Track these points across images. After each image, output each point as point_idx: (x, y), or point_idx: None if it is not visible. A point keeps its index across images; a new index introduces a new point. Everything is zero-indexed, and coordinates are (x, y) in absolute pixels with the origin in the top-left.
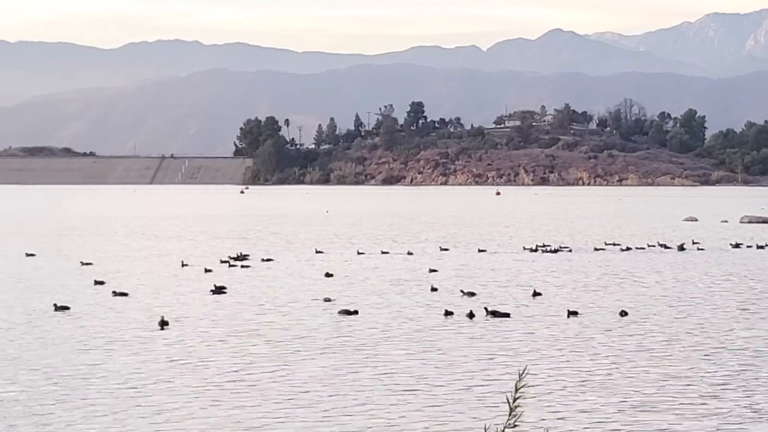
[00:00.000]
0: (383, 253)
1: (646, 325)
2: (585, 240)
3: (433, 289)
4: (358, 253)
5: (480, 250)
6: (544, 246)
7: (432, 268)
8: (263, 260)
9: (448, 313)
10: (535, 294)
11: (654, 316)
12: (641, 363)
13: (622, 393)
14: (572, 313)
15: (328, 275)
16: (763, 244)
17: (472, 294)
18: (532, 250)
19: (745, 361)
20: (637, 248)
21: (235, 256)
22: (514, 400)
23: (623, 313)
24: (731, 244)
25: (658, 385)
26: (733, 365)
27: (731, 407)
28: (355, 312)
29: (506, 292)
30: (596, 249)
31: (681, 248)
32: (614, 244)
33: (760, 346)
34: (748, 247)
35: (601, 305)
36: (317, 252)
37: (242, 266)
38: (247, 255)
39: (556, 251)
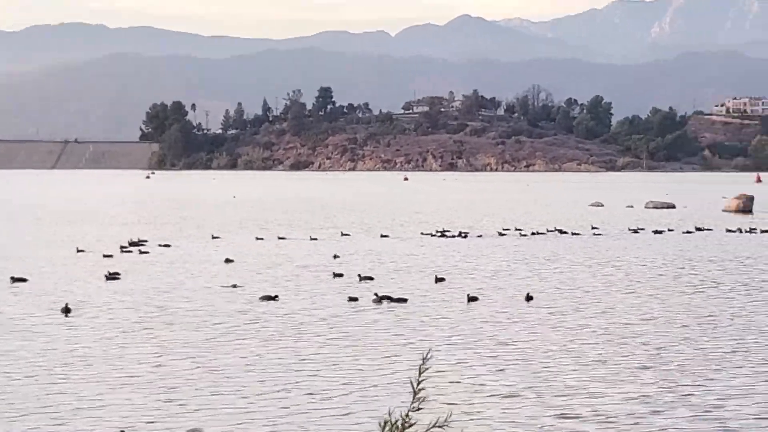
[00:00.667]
0: (280, 238)
1: (551, 309)
2: (490, 225)
3: (337, 275)
4: (257, 239)
5: (383, 236)
6: (444, 231)
7: (335, 253)
8: (160, 246)
9: (352, 299)
10: (438, 279)
11: (560, 300)
12: (549, 346)
13: (529, 376)
14: (472, 299)
15: (228, 261)
16: (662, 229)
17: (370, 278)
18: (438, 235)
19: (651, 344)
20: (539, 233)
21: (133, 241)
22: (418, 383)
23: (529, 298)
24: (630, 229)
25: (567, 369)
26: (641, 348)
27: (644, 390)
28: (275, 297)
29: (410, 277)
30: (500, 234)
31: (593, 230)
32: (517, 230)
33: (662, 329)
34: (654, 232)
35: (506, 290)
36: (213, 237)
37: (140, 252)
38: (146, 240)
39: (465, 236)
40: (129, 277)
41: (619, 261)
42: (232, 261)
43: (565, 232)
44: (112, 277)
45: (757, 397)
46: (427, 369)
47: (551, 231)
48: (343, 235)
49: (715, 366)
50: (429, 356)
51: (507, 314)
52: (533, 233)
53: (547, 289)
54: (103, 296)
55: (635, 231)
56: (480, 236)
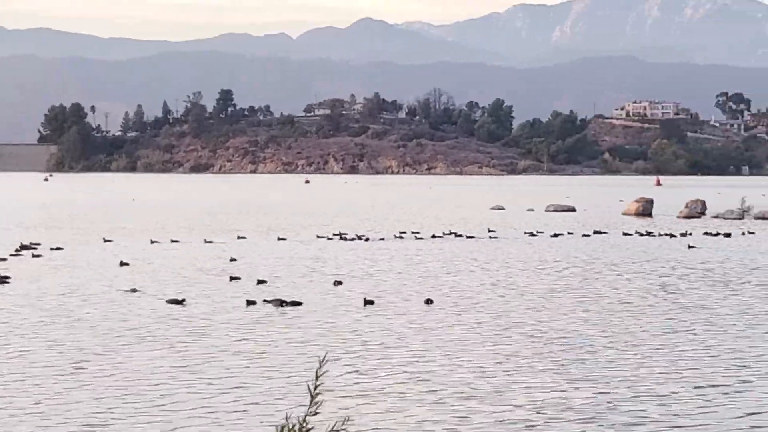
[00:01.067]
0: (173, 241)
1: (451, 312)
2: (390, 228)
3: (234, 278)
4: (152, 242)
5: (280, 239)
6: (343, 234)
7: (232, 257)
8: (53, 249)
9: (250, 302)
10: (336, 283)
11: (459, 303)
12: (448, 350)
13: (427, 380)
14: (369, 302)
15: (123, 264)
16: (560, 232)
17: (263, 282)
18: (337, 239)
19: (549, 346)
20: (436, 236)
21: (25, 244)
22: (315, 387)
23: (428, 301)
24: (527, 233)
25: (465, 372)
26: (540, 349)
27: (540, 396)
28: (183, 301)
29: (307, 280)
30: (396, 237)
31: (489, 234)
32: (414, 233)
33: (560, 331)
34: (552, 235)
35: (404, 293)
36: (105, 240)
37: (33, 255)
38: (38, 243)
39: (367, 240)
40: (21, 281)
41: (514, 264)
42: (127, 264)
43: (460, 236)
44: (2, 280)
45: (652, 395)
46: (324, 373)
47: (447, 234)
48: (239, 238)
49: (612, 366)
50: (325, 360)
51: (405, 318)
52: (432, 236)
53: (446, 293)
54: None
55: (532, 234)
56: (382, 239)
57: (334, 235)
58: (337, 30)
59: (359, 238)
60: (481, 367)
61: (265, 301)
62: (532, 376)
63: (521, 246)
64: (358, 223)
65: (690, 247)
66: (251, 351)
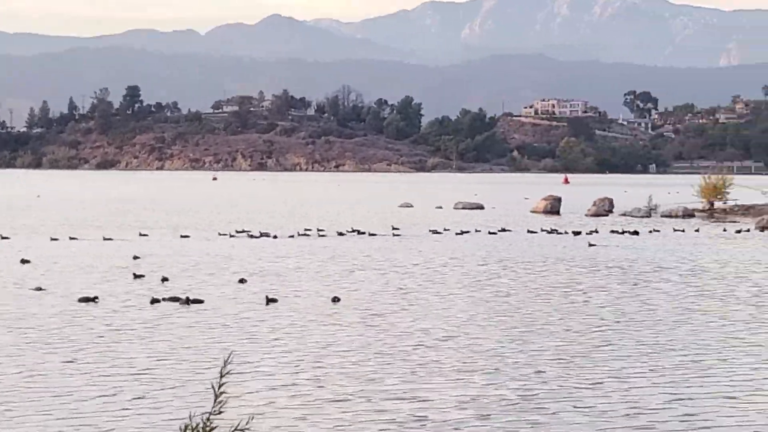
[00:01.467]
0: (71, 239)
1: (358, 310)
2: (295, 225)
3: (138, 276)
4: (52, 240)
5: (183, 236)
6: (248, 231)
7: (135, 254)
8: None
9: (154, 300)
10: (241, 281)
11: (367, 301)
12: (351, 347)
13: (329, 378)
14: (272, 300)
15: (24, 261)
16: (467, 230)
17: (166, 279)
18: (243, 236)
19: (444, 343)
20: (341, 234)
21: None
22: (219, 386)
23: (335, 299)
24: (431, 230)
25: (367, 369)
26: (451, 345)
27: (451, 391)
28: (95, 299)
29: (210, 278)
30: (301, 234)
31: (393, 232)
32: (319, 230)
33: (471, 328)
34: (458, 233)
35: (307, 291)
36: (2, 238)
37: None
38: None
39: (275, 237)
40: None
41: (417, 262)
42: (29, 262)
43: (363, 233)
44: None
45: (584, 391)
46: (228, 372)
47: (350, 232)
48: (141, 235)
49: (536, 365)
50: (230, 359)
51: (309, 315)
52: (338, 233)
53: (352, 290)
54: None
55: (437, 232)
56: (291, 237)
57: (238, 232)
58: (246, 26)
59: (264, 235)
60: (385, 365)
61: (166, 299)
62: (437, 374)
63: (426, 244)
64: (265, 220)
65: (591, 245)
66: (155, 350)
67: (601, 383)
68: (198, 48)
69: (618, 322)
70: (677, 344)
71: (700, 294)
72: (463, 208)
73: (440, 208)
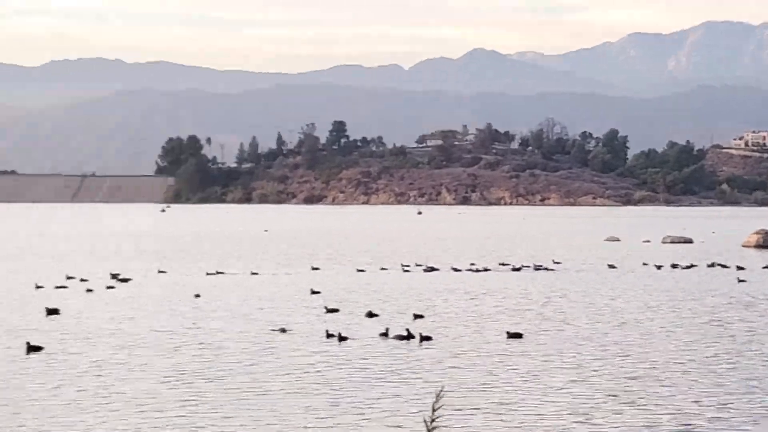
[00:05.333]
0: (252, 274)
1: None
2: (499, 259)
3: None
4: (358, 270)
5: (359, 270)
6: (426, 267)
7: (313, 288)
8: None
9: (382, 335)
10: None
11: (549, 334)
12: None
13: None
14: (515, 335)
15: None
16: (688, 264)
17: (419, 317)
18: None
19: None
20: (548, 268)
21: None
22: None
23: (513, 335)
24: (644, 263)
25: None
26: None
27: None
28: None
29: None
30: (515, 269)
31: (611, 266)
32: (535, 266)
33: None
34: (672, 266)
35: (543, 326)
36: (159, 272)
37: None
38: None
39: (486, 271)
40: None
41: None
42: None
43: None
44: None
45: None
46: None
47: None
48: (359, 271)
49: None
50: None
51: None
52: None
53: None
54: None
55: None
56: (516, 269)
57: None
58: (449, 61)
59: (485, 269)
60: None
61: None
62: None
63: (650, 278)
64: (472, 254)
65: None
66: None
67: None
68: (402, 83)
69: None
70: None
71: None
72: (672, 242)
73: (648, 242)
